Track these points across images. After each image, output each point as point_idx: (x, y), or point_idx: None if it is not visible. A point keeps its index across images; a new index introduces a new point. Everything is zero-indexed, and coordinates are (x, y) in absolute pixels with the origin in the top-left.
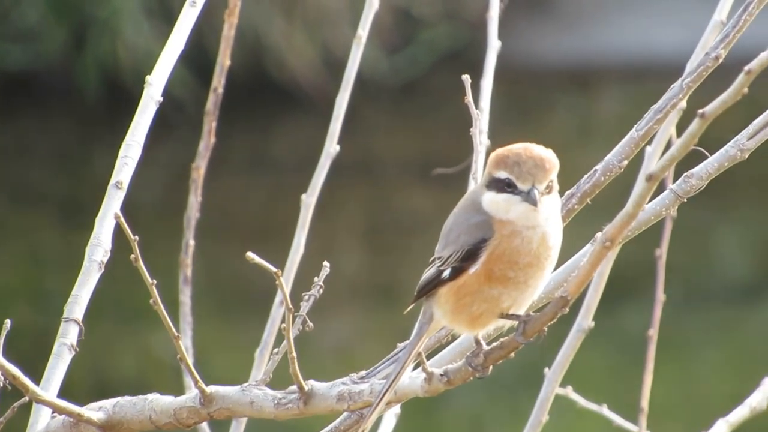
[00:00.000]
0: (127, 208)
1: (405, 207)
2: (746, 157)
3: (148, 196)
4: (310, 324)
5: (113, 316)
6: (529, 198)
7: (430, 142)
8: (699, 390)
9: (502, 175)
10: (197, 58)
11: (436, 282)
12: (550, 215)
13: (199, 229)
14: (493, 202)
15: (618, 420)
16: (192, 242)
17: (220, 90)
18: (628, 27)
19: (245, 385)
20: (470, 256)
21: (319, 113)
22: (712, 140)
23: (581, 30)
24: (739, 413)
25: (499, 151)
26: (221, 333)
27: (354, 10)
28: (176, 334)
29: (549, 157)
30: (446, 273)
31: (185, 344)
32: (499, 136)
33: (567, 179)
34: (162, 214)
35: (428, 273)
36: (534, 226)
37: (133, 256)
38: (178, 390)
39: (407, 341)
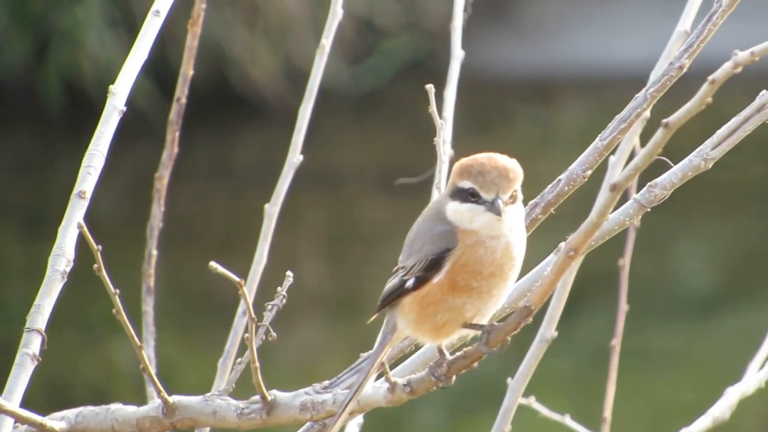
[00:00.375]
0: (90, 218)
1: (368, 217)
2: (710, 166)
3: (112, 206)
4: (273, 334)
5: (76, 326)
6: (493, 208)
7: (392, 152)
8: (662, 400)
9: (466, 184)
10: (161, 68)
11: (399, 292)
12: (513, 225)
13: (162, 239)
14: (457, 211)
15: (581, 430)
16: (155, 252)
17: (183, 100)
18: (590, 38)
19: (208, 394)
20: (434, 265)
21: (282, 123)
22: (676, 150)
23: (543, 40)
24: (702, 424)
25: (463, 160)
26: (184, 343)
27: (316, 20)
28: (139, 344)
29: (513, 166)
30: (410, 283)
31: (148, 354)
32: (462, 145)
33: (530, 189)
34: (125, 224)
35: (391, 283)
36: (498, 236)
37: (96, 265)
38: (142, 400)
39: (370, 351)
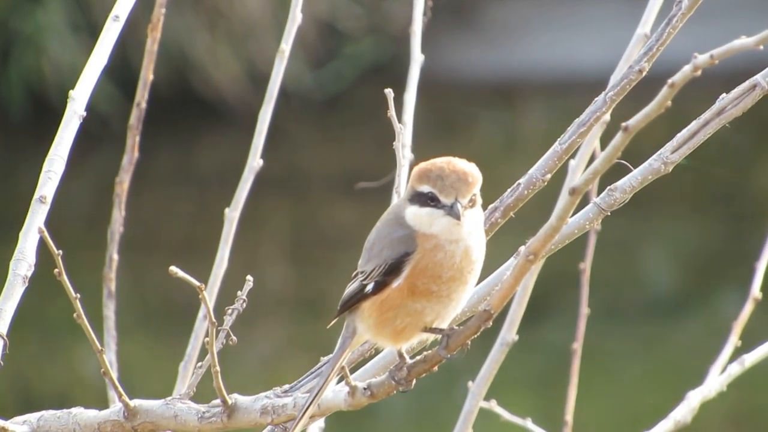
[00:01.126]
0: (52, 222)
1: (329, 221)
2: (670, 170)
3: (74, 211)
4: (234, 338)
5: (38, 330)
6: (452, 212)
7: (354, 156)
8: (624, 404)
9: (425, 189)
10: (122, 73)
11: (359, 296)
12: (473, 229)
13: (123, 243)
14: (416, 216)
15: None
16: (116, 256)
17: (144, 104)
18: (552, 42)
19: (169, 398)
20: (393, 270)
21: (244, 127)
22: (638, 154)
23: (505, 44)
24: (664, 427)
25: (422, 165)
26: (146, 347)
27: (279, 24)
28: (100, 348)
29: (472, 170)
30: (369, 287)
31: (109, 358)
32: (422, 149)
33: (491, 193)
34: (87, 229)
35: (351, 287)
36: (457, 240)
37: (56, 270)
38: (104, 404)
39: (330, 355)
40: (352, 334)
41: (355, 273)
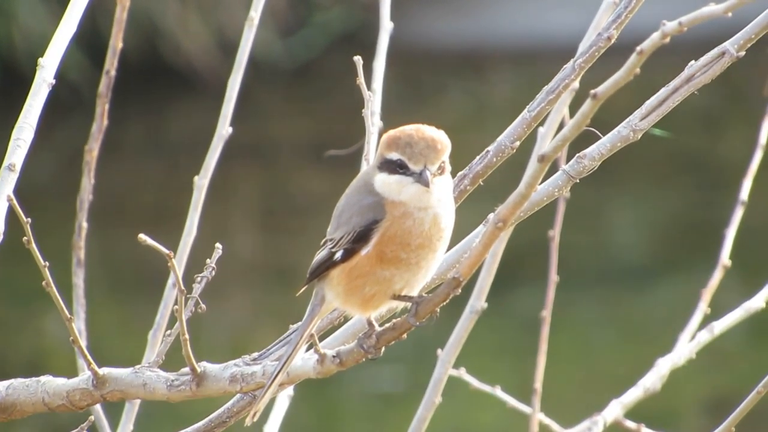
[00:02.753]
0: (22, 191)
1: (299, 189)
2: (639, 137)
3: (45, 180)
4: (203, 305)
5: (7, 299)
6: (421, 179)
7: (324, 124)
8: (593, 371)
9: (394, 156)
10: (93, 42)
11: (328, 264)
12: (442, 196)
13: (94, 212)
14: (385, 183)
15: (511, 401)
16: (85, 225)
17: (113, 73)
18: (523, 9)
19: (138, 367)
20: (361, 237)
21: (214, 96)
22: (606, 122)
23: (474, 12)
24: (633, 394)
25: (391, 132)
26: (116, 316)
27: None
28: (69, 316)
29: (441, 138)
30: (338, 255)
31: (78, 327)
32: (392, 117)
33: (460, 161)
34: (57, 198)
35: (320, 255)
36: (426, 207)
37: (25, 238)
38: (74, 373)
39: (299, 323)
40: (320, 301)
41: (323, 241)
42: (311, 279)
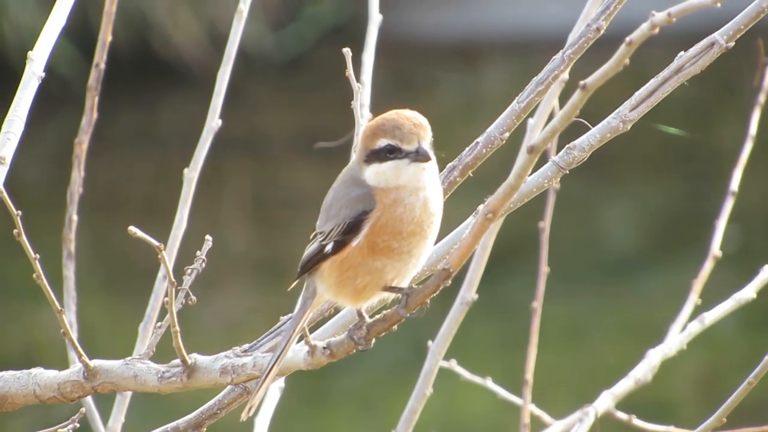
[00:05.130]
0: (14, 186)
1: (291, 182)
2: (629, 128)
3: (37, 174)
4: (193, 297)
5: (1, 292)
6: (419, 155)
7: (315, 117)
8: (584, 363)
9: (382, 143)
10: (84, 36)
11: (318, 257)
12: (431, 180)
13: (86, 205)
14: (379, 172)
15: (502, 392)
16: (75, 217)
17: (102, 65)
18: (513, 1)
19: (129, 358)
20: (352, 229)
21: (205, 89)
22: (597, 114)
23: (467, 4)
24: (624, 385)
25: (371, 123)
26: (108, 308)
27: None
28: (60, 308)
29: (422, 118)
30: (329, 247)
31: (69, 319)
32: (383, 110)
33: (452, 153)
34: (50, 191)
35: (311, 248)
36: (417, 190)
37: (15, 230)
38: (65, 365)
39: (290, 314)
40: (312, 294)
41: (313, 234)
42: (302, 273)
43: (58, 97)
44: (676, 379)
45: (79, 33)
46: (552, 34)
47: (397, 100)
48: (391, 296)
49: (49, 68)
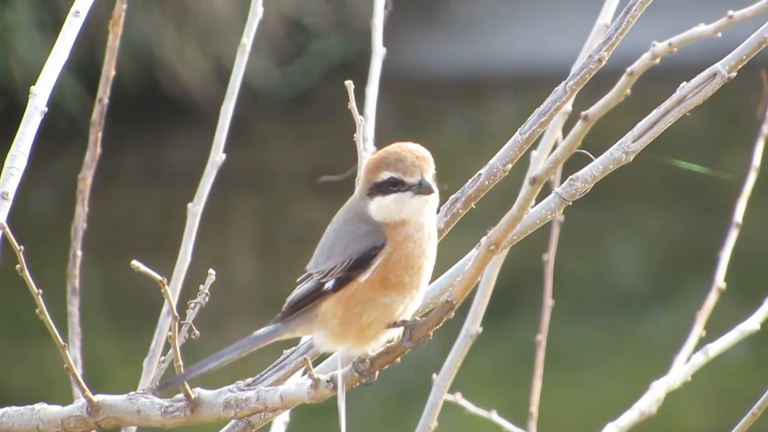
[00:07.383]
0: (23, 221)
1: (298, 217)
2: (631, 159)
3: (43, 211)
4: (197, 332)
5: (5, 329)
6: (421, 189)
7: (322, 152)
8: (590, 396)
9: (386, 176)
10: (91, 72)
11: (315, 296)
12: (431, 213)
13: (92, 241)
14: (382, 206)
15: (507, 426)
16: (79, 253)
17: (106, 101)
18: (521, 35)
19: (132, 393)
20: (359, 264)
21: (212, 125)
22: (600, 146)
23: (471, 38)
24: (629, 417)
25: (374, 157)
26: (113, 344)
27: (245, 21)
28: (63, 343)
29: (424, 150)
30: (329, 284)
31: (73, 355)
32: (388, 143)
33: (456, 186)
34: (56, 227)
35: (304, 287)
36: (422, 225)
37: (18, 266)
38: (70, 401)
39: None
40: (291, 331)
41: (303, 276)
42: (292, 312)
43: (66, 134)
44: (681, 411)
45: (86, 70)
46: (558, 68)
47: (403, 134)
48: (395, 334)
49: (57, 105)
